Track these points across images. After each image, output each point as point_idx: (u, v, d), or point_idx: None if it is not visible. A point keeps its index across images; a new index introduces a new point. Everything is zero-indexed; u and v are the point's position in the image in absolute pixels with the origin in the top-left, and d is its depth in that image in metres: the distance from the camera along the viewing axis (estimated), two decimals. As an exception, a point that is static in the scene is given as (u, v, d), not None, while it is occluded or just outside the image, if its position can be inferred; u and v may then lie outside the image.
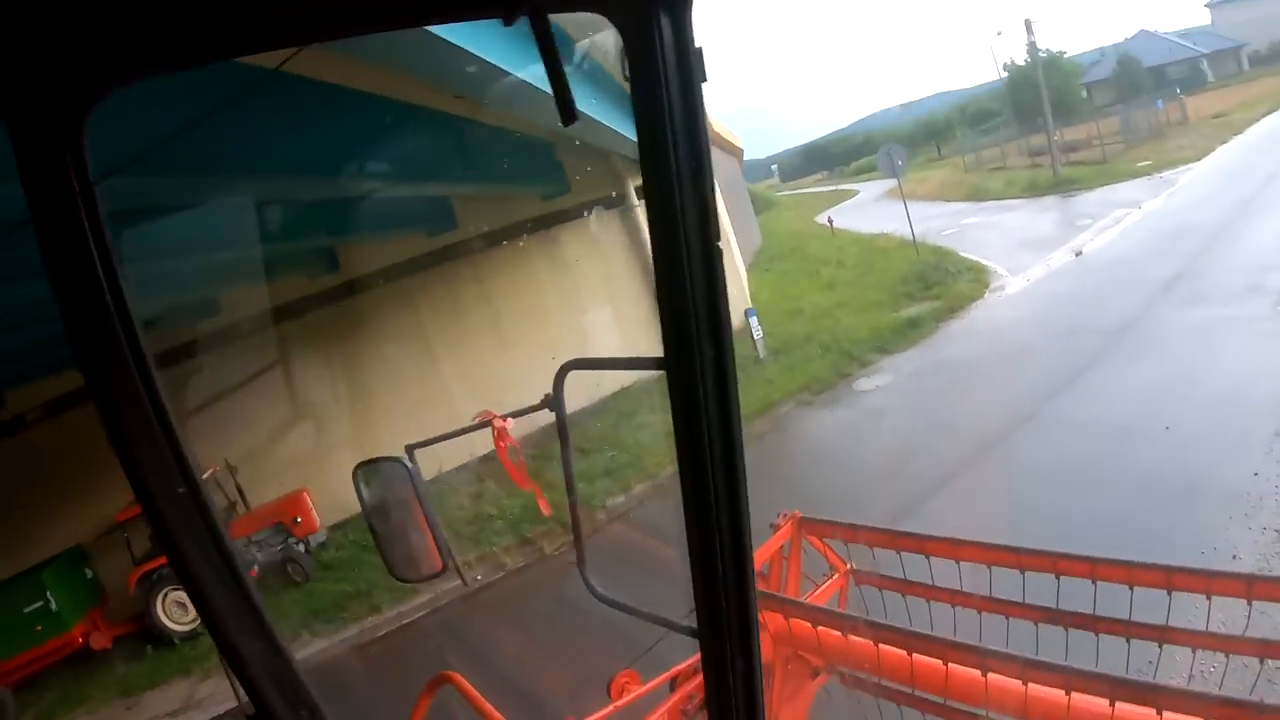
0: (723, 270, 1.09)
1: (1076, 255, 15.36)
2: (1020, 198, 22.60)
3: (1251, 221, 13.73)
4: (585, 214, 13.47)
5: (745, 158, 32.64)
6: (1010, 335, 12.01)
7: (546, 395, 1.56)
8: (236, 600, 0.99)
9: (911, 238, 17.62)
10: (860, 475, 9.02)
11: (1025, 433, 8.70)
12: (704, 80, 1.08)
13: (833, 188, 41.17)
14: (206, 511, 0.96)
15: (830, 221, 23.36)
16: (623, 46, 1.13)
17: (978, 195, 24.49)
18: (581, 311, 12.84)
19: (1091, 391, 9.26)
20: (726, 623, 1.11)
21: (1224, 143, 22.44)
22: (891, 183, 31.20)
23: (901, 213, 18.63)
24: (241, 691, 1.02)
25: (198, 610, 1.00)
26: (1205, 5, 34.92)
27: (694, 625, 1.15)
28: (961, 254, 16.79)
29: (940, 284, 14.91)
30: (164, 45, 0.83)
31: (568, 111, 0.97)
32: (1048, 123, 23.37)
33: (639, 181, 1.01)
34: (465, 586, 9.06)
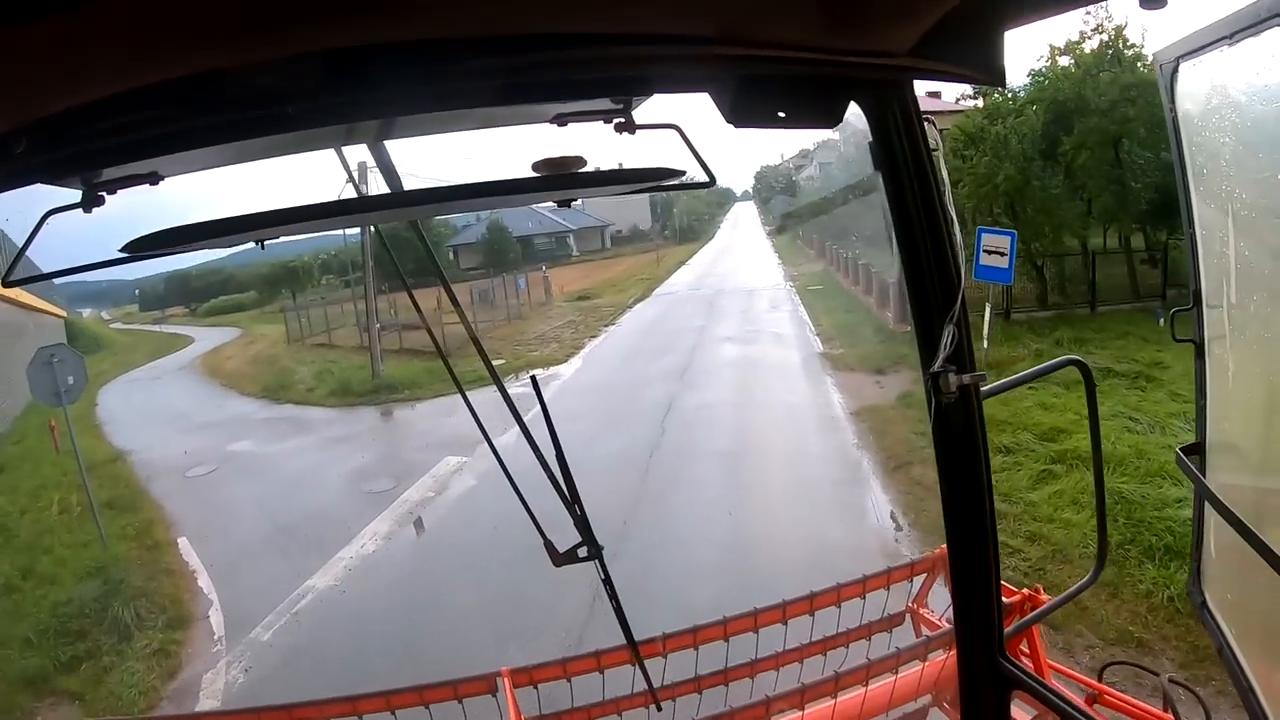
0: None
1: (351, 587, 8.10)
2: (324, 404, 16.09)
3: (634, 538, 8.13)
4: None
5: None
6: None
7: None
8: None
9: (92, 509, 10.15)
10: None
11: None
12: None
13: (173, 329, 32.80)
14: None
15: (53, 428, 12.97)
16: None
17: (277, 390, 17.98)
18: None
19: None
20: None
21: (594, 337, 19.54)
22: (224, 335, 27.11)
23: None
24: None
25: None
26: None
27: None
28: (182, 554, 9.52)
29: (94, 653, 7.37)
30: None
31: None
32: (369, 296, 18.05)
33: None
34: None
